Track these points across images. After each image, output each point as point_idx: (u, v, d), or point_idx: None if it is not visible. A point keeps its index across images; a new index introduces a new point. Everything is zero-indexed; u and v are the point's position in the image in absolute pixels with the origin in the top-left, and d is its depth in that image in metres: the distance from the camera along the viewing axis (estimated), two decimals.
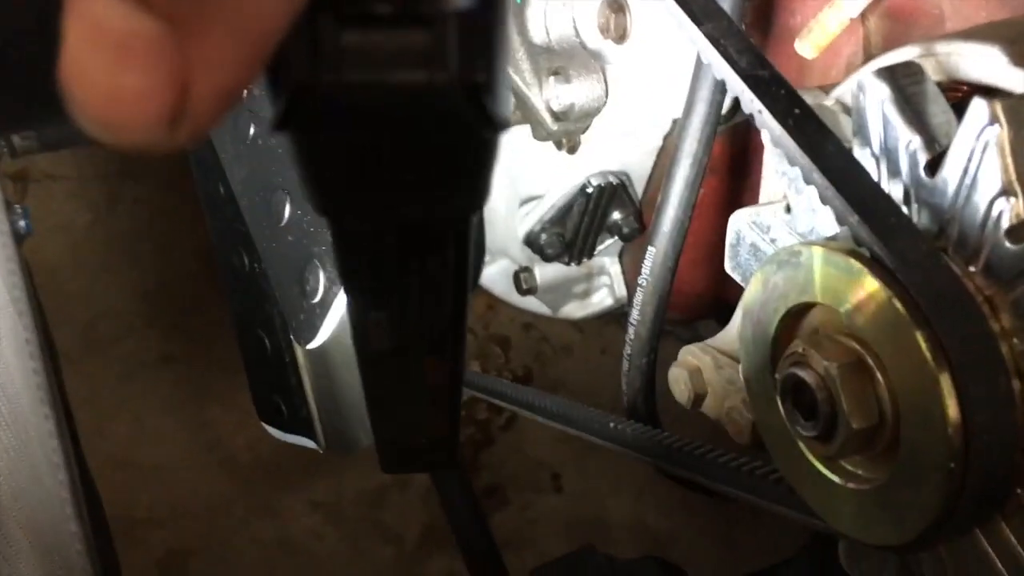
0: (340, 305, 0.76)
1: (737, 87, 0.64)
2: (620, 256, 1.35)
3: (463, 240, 0.34)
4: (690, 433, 0.92)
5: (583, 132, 1.12)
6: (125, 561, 1.77)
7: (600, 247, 1.30)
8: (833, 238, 0.63)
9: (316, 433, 1.05)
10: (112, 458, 1.85)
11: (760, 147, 0.80)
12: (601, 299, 1.38)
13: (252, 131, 0.83)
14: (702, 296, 1.28)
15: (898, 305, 0.56)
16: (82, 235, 2.08)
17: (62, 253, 2.05)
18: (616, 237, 1.29)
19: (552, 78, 1.05)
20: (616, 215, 1.26)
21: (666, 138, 1.20)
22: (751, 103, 0.64)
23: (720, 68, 0.65)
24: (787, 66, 1.08)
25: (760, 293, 0.66)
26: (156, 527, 1.84)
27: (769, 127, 0.63)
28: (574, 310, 1.40)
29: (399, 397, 0.42)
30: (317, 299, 0.78)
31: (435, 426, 0.44)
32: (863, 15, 0.99)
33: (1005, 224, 0.54)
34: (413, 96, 0.26)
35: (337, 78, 0.26)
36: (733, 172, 1.21)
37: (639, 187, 1.26)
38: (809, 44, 0.92)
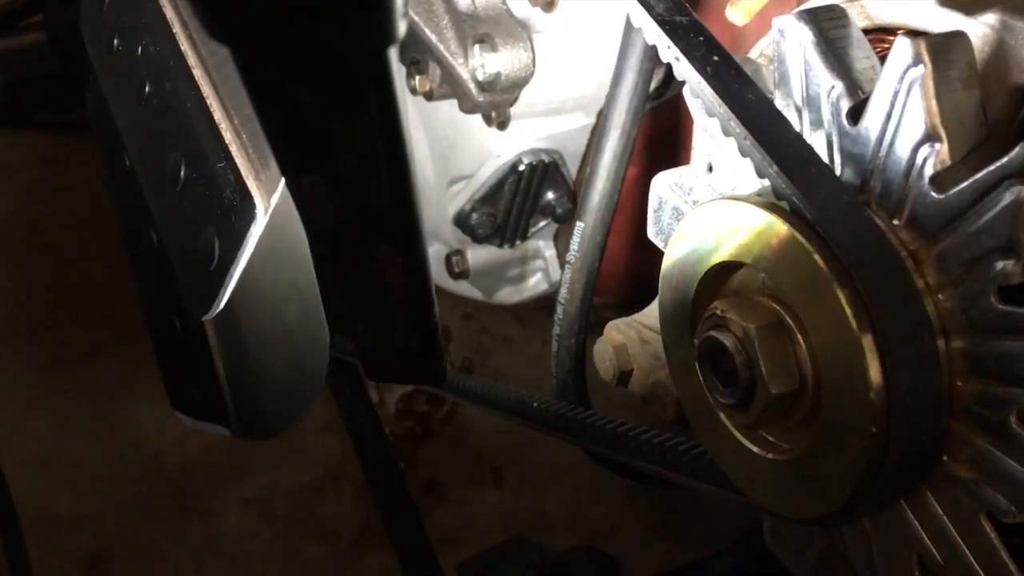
0: (237, 271, 0.71)
1: (654, 33, 0.60)
2: (555, 239, 1.31)
3: (383, 86, 0.30)
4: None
5: (512, 105, 1.08)
6: (45, 562, 1.69)
7: (534, 229, 1.26)
8: (754, 194, 0.59)
9: (229, 417, 1.00)
10: (32, 455, 1.77)
11: None
12: (536, 283, 1.34)
13: (147, 90, 0.78)
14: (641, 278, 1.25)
15: (819, 261, 0.52)
16: (2, 223, 2.00)
17: None
18: (550, 219, 1.25)
19: (477, 46, 1.01)
20: (549, 195, 1.22)
21: (599, 115, 1.16)
22: (668, 50, 0.60)
23: (637, 14, 0.62)
24: (720, 36, 1.05)
25: (678, 254, 0.62)
26: (78, 527, 1.76)
27: (687, 75, 0.59)
28: (508, 295, 1.36)
29: (360, 291, 0.40)
30: (214, 266, 0.72)
31: (408, 332, 0.42)
32: None
33: (929, 171, 0.51)
34: None
35: None
36: (672, 149, 1.18)
37: (573, 167, 1.22)
38: (740, 10, 0.89)
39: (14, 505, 1.22)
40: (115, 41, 0.83)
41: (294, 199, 0.36)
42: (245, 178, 0.69)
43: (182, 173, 0.75)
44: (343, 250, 0.38)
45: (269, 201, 0.68)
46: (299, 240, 0.87)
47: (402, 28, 0.28)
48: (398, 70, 0.31)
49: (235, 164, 0.70)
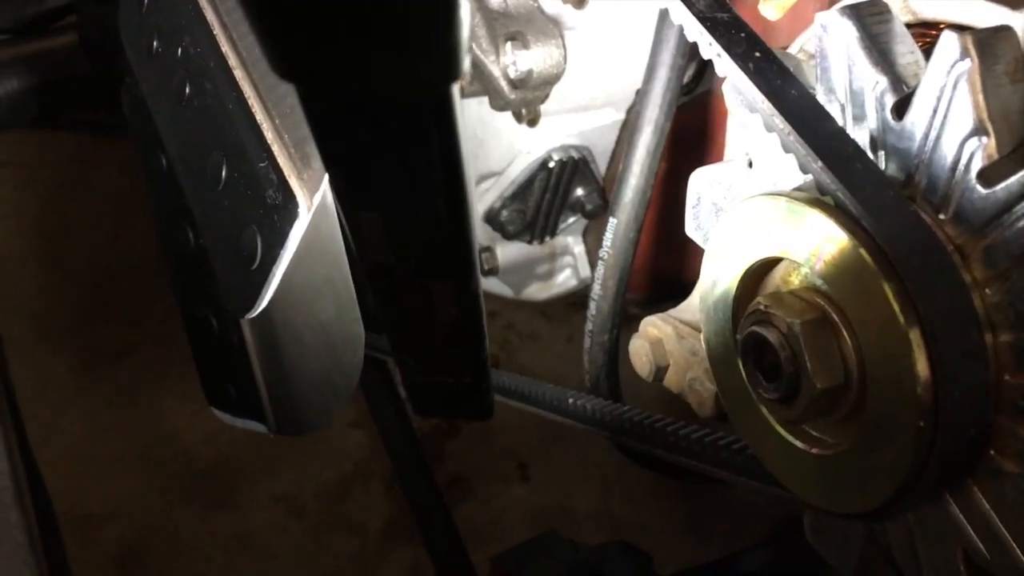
0: (279, 271, 0.72)
1: (695, 30, 0.61)
2: (584, 235, 1.31)
3: (445, 121, 0.31)
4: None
5: (542, 102, 1.08)
6: (78, 557, 1.71)
7: (563, 225, 1.26)
8: (798, 189, 0.60)
9: (266, 415, 1.01)
10: (65, 452, 1.79)
11: None
12: (565, 280, 1.35)
13: (187, 91, 0.79)
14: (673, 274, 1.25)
15: (865, 256, 0.53)
16: (33, 223, 2.02)
17: (12, 242, 1.98)
18: (579, 215, 1.25)
19: (509, 44, 1.01)
20: (579, 192, 1.23)
21: (629, 111, 1.16)
22: (709, 47, 0.60)
23: (677, 11, 0.62)
24: None
25: (720, 250, 0.62)
26: (110, 522, 1.78)
27: (728, 71, 0.59)
28: (537, 292, 1.36)
29: (412, 326, 0.40)
30: (256, 265, 0.73)
31: (458, 366, 0.42)
32: None
33: (977, 166, 0.51)
34: None
35: None
36: (701, 145, 1.18)
37: (602, 163, 1.22)
38: (773, 5, 0.89)
39: (50, 498, 1.23)
40: (155, 43, 0.84)
41: (352, 234, 0.36)
42: (287, 177, 0.69)
43: (223, 173, 0.75)
44: (397, 284, 0.38)
45: (312, 200, 0.69)
46: (334, 237, 0.88)
47: (466, 64, 0.28)
48: (459, 104, 0.31)
49: (277, 163, 0.70)
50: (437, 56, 0.28)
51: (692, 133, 1.14)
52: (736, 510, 1.67)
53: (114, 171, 1.97)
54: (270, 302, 0.75)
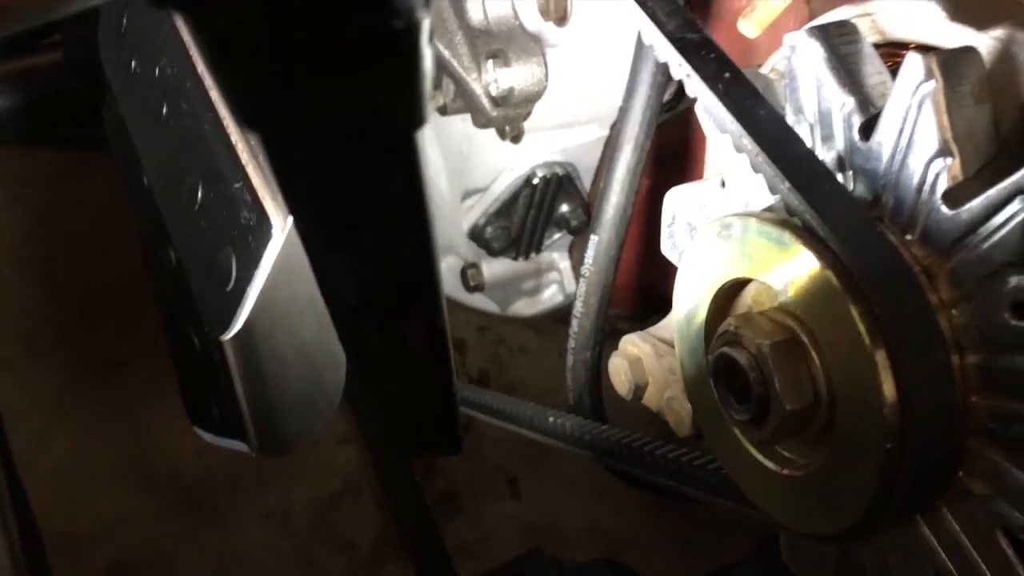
0: (254, 292, 0.72)
1: (665, 51, 0.61)
2: (570, 251, 1.31)
3: (410, 167, 0.31)
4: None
5: (525, 119, 1.08)
6: (67, 575, 1.70)
7: (548, 241, 1.26)
8: (767, 210, 0.60)
9: (248, 434, 1.00)
10: (53, 468, 1.78)
11: None
12: (551, 296, 1.35)
13: (165, 111, 0.79)
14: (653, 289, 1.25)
15: (832, 277, 0.53)
16: (23, 238, 2.02)
17: (2, 257, 1.98)
18: (565, 231, 1.25)
19: (491, 61, 1.01)
20: (564, 208, 1.23)
21: (612, 127, 1.16)
22: (679, 67, 0.60)
23: (648, 31, 0.62)
24: (732, 49, 1.05)
25: (691, 270, 0.62)
26: (99, 539, 1.77)
27: (698, 92, 0.59)
28: (523, 307, 1.36)
29: (384, 364, 0.40)
30: (231, 286, 0.73)
31: (427, 404, 0.42)
32: None
33: (942, 187, 0.51)
34: None
35: None
36: (684, 161, 1.18)
37: (587, 179, 1.22)
38: (751, 23, 0.89)
39: (36, 520, 1.23)
40: (133, 63, 0.84)
41: (316, 275, 0.37)
42: (262, 199, 0.69)
43: (199, 194, 0.75)
44: (365, 324, 0.38)
45: (286, 221, 0.69)
46: None
47: (430, 111, 0.29)
48: (424, 149, 0.31)
49: (252, 185, 0.70)
50: (402, 102, 0.29)
51: (675, 150, 1.14)
52: (723, 524, 1.66)
53: (103, 186, 1.97)
54: (246, 322, 0.75)
